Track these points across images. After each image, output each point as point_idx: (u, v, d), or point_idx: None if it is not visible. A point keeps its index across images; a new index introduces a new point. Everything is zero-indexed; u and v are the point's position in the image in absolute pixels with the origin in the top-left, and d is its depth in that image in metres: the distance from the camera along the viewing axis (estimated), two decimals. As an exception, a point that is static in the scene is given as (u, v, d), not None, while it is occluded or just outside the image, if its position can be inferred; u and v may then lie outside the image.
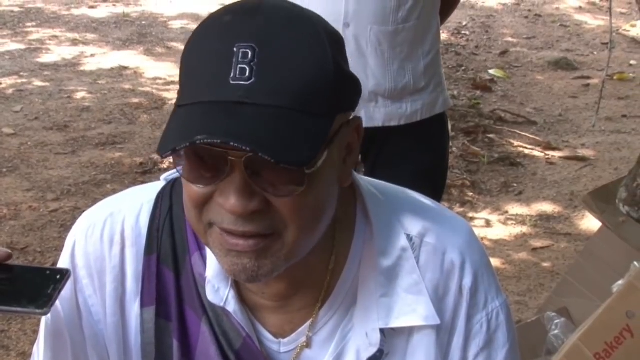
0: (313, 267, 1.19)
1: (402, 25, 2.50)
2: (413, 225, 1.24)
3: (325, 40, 1.08)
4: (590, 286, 2.63)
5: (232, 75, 1.03)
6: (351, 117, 1.15)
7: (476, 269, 1.25)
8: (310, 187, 1.07)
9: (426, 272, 1.23)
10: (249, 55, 1.03)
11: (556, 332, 2.58)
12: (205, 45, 1.07)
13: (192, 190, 1.09)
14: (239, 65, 1.03)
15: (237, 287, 1.22)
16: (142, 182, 4.48)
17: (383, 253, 1.22)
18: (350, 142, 1.15)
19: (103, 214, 1.26)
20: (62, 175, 4.66)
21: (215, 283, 1.20)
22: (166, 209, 1.25)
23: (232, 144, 0.99)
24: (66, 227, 4.07)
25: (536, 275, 3.87)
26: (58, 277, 1.16)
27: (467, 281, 1.24)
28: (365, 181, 1.26)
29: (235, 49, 1.03)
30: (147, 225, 1.25)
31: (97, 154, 4.91)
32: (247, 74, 1.02)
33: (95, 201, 4.74)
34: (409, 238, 1.23)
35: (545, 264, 3.96)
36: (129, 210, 1.26)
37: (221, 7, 1.12)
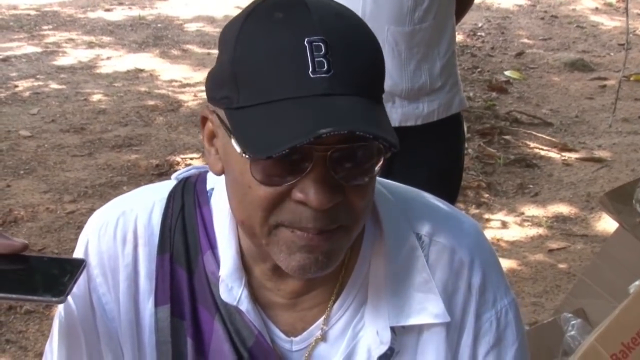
0: None
1: (418, 25, 2.50)
2: (422, 225, 1.25)
3: (369, 28, 1.12)
4: (606, 287, 2.62)
5: (310, 69, 1.04)
6: None
7: (485, 268, 1.26)
8: (374, 175, 1.11)
9: (435, 270, 1.24)
10: (322, 49, 1.05)
11: (573, 333, 2.57)
12: (267, 43, 1.07)
13: (264, 192, 1.09)
14: (316, 59, 1.04)
15: (250, 285, 1.23)
16: (158, 184, 4.51)
17: (392, 252, 1.22)
18: None
19: (115, 212, 1.27)
20: (79, 177, 4.68)
21: (229, 282, 1.21)
22: (178, 208, 1.26)
23: (358, 133, 1.02)
24: (83, 229, 4.08)
25: (552, 277, 3.87)
26: (74, 266, 1.17)
27: (476, 279, 1.25)
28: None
29: (306, 44, 1.05)
30: (159, 224, 1.25)
31: (114, 156, 4.93)
32: (326, 66, 1.04)
33: (111, 203, 4.64)
34: (418, 237, 1.24)
35: (561, 265, 3.95)
36: (141, 208, 1.26)
37: (256, 5, 1.12)
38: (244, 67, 1.08)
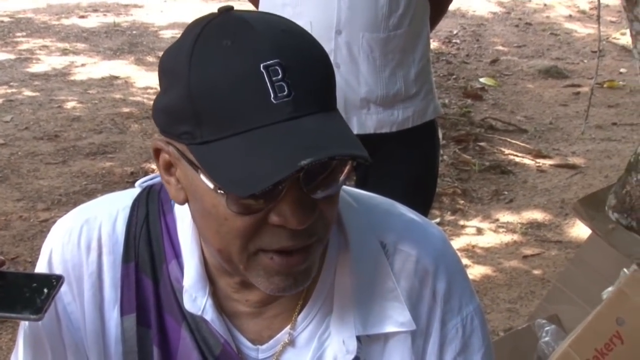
0: None
1: (393, 32, 2.51)
2: (387, 233, 1.25)
3: (314, 37, 1.12)
4: (580, 293, 2.63)
5: (272, 95, 1.03)
6: None
7: (450, 275, 1.26)
8: (340, 185, 1.12)
9: (400, 278, 1.24)
10: (279, 72, 1.03)
11: (547, 339, 2.58)
12: (220, 74, 1.05)
13: (241, 222, 1.08)
14: (276, 84, 1.03)
15: (215, 295, 1.22)
16: (133, 192, 4.49)
17: (357, 260, 1.22)
18: None
19: (79, 220, 1.26)
20: (53, 185, 4.65)
21: (193, 292, 1.20)
22: (142, 217, 1.25)
23: (337, 156, 1.02)
24: (46, 238, 4.05)
25: (527, 283, 3.88)
26: (51, 282, 1.16)
27: (441, 287, 1.25)
28: None
29: (262, 69, 1.03)
30: (124, 232, 1.24)
31: (88, 164, 4.90)
32: (286, 90, 1.03)
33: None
34: (383, 245, 1.24)
35: (535, 272, 3.97)
36: (104, 216, 1.25)
37: (200, 32, 1.08)
38: (204, 102, 1.05)
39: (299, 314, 1.23)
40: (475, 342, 1.28)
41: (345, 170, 1.09)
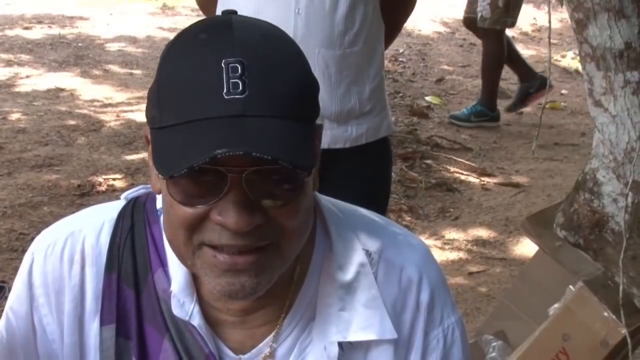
0: (278, 280, 1.20)
1: (349, 49, 2.54)
2: (372, 242, 1.26)
3: (299, 49, 1.14)
4: (526, 309, 2.67)
5: (225, 90, 1.05)
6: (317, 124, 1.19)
7: (433, 286, 1.28)
8: (303, 194, 1.11)
9: (384, 287, 1.25)
10: (239, 70, 1.05)
11: (493, 354, 2.62)
12: (187, 63, 1.08)
13: (183, 212, 1.09)
14: (231, 80, 1.05)
15: (200, 303, 1.23)
16: (80, 205, 4.44)
17: (342, 268, 1.24)
18: (317, 148, 1.19)
19: (64, 232, 1.26)
20: (-2, 196, 4.59)
21: (181, 297, 1.21)
22: (127, 228, 1.25)
23: (254, 154, 1.01)
24: (2, 249, 3.99)
25: (472, 299, 3.92)
26: None
27: (425, 297, 1.27)
28: (324, 199, 1.29)
29: (222, 65, 1.05)
30: (107, 244, 1.25)
31: (34, 176, 4.84)
32: (241, 87, 1.05)
33: (31, 223, 4.61)
34: (368, 254, 1.25)
35: (481, 288, 4.02)
36: (89, 229, 1.26)
37: (189, 26, 1.14)
38: (165, 87, 1.09)
39: (284, 317, 1.24)
40: (456, 353, 1.30)
41: (301, 183, 1.10)
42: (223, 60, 1.06)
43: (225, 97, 1.05)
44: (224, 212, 1.07)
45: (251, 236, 1.09)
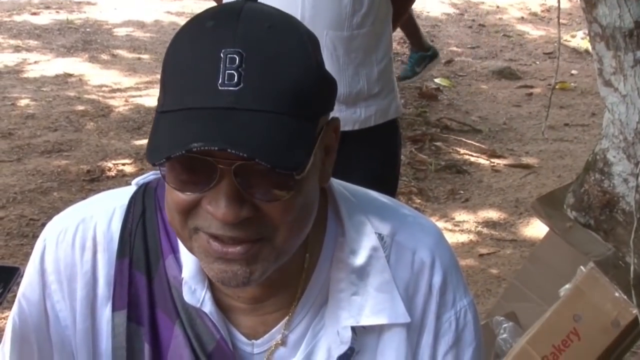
0: (288, 269, 1.20)
1: (357, 31, 2.53)
2: (384, 225, 1.26)
3: (307, 42, 1.11)
4: (537, 291, 2.67)
5: (220, 81, 1.04)
6: (330, 118, 1.17)
7: (445, 268, 1.27)
8: (299, 190, 1.09)
9: (397, 270, 1.25)
10: (237, 61, 1.04)
11: (504, 336, 2.62)
12: (189, 50, 1.07)
13: (177, 197, 1.09)
14: (227, 71, 1.04)
15: (212, 289, 1.23)
16: (90, 190, 4.46)
17: (354, 252, 1.23)
18: (330, 142, 1.17)
19: (75, 219, 1.26)
20: (8, 183, 4.60)
21: (192, 284, 1.21)
22: (139, 213, 1.25)
23: (229, 150, 1.00)
24: (12, 235, 4.01)
25: (483, 281, 3.92)
26: (8, 275, 1.16)
27: (437, 280, 1.27)
28: (336, 183, 1.28)
29: (221, 55, 1.04)
30: (119, 230, 1.25)
31: (43, 162, 4.85)
32: (236, 79, 1.03)
33: (42, 209, 4.62)
34: (380, 237, 1.25)
35: (491, 270, 4.02)
36: (101, 215, 1.26)
37: (202, 11, 1.12)
38: (168, 73, 1.09)
39: (295, 307, 1.24)
40: (468, 336, 1.30)
41: (293, 180, 1.07)
42: (222, 50, 1.04)
43: (220, 88, 1.03)
44: (214, 202, 1.07)
45: (240, 228, 1.08)
